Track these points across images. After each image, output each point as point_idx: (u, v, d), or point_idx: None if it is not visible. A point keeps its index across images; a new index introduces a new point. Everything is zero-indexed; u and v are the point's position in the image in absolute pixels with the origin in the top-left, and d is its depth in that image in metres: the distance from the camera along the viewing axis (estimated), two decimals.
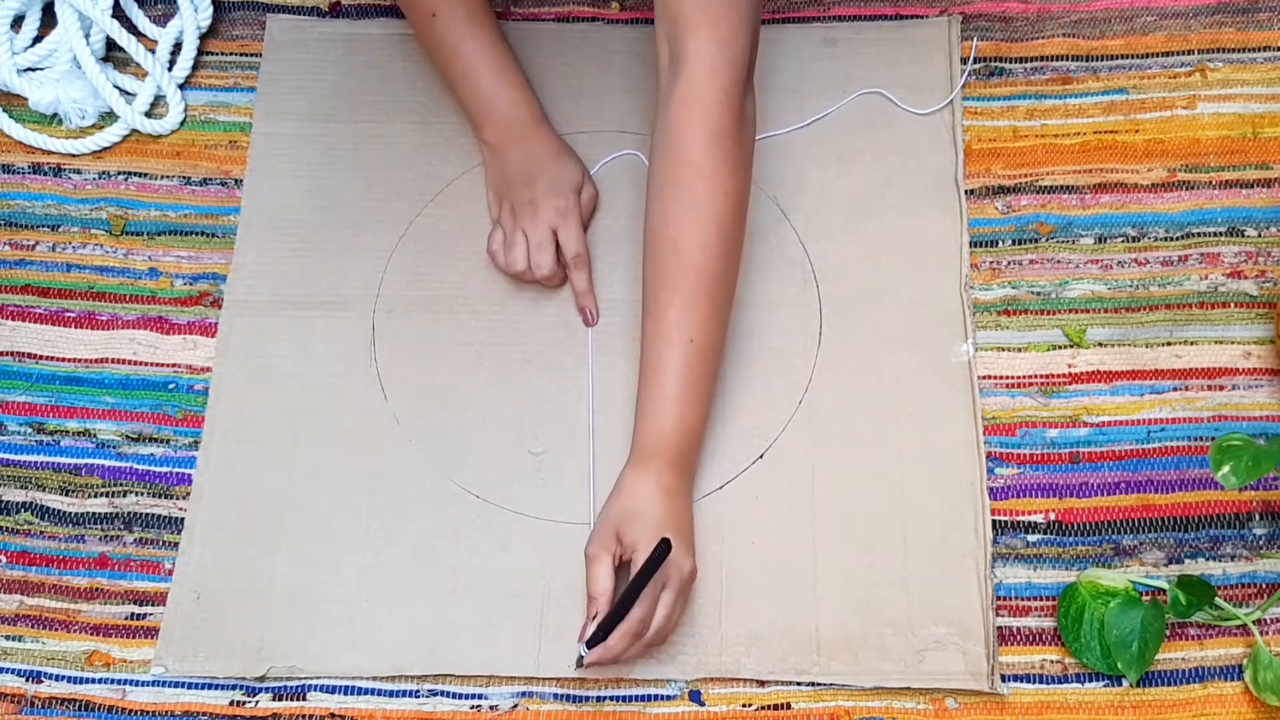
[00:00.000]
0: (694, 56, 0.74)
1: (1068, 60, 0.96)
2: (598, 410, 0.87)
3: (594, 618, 0.74)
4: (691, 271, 0.76)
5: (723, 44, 0.74)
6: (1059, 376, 0.87)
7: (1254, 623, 0.80)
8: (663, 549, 0.73)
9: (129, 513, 0.86)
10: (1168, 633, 0.80)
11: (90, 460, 0.87)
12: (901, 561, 0.82)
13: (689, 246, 0.76)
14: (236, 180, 0.95)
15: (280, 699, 0.81)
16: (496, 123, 0.90)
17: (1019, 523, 0.84)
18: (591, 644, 0.73)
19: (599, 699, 0.80)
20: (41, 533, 0.86)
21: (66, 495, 0.87)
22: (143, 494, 0.86)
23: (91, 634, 0.83)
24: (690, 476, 0.81)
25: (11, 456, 0.88)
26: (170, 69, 0.98)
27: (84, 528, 0.86)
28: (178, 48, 0.99)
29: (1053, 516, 0.84)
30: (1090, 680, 0.80)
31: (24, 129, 0.96)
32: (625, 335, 0.89)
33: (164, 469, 0.87)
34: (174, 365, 0.90)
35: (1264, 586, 0.82)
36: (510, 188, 0.89)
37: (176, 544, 0.84)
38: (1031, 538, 0.84)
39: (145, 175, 0.96)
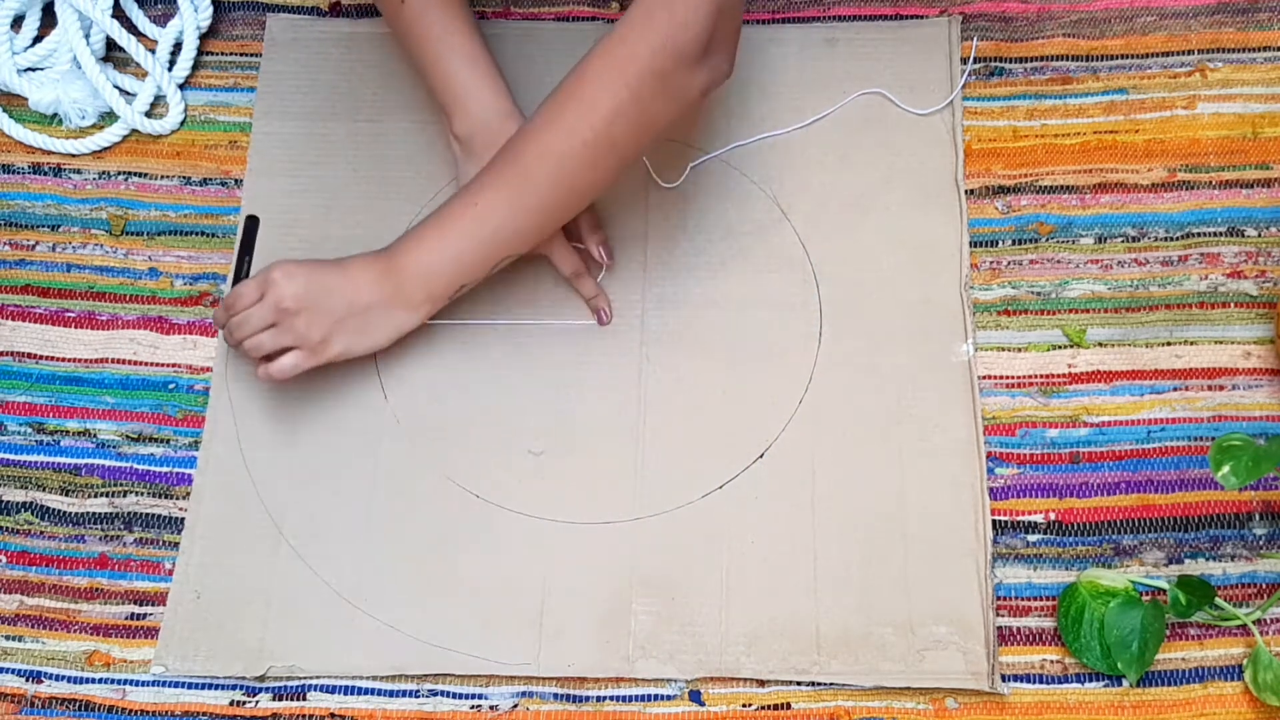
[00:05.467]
0: (643, 5, 0.72)
1: (1068, 60, 0.96)
2: (602, 410, 0.87)
3: None
4: (518, 163, 0.78)
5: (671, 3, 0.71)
6: (1059, 376, 0.87)
7: (1254, 623, 0.80)
8: (249, 225, 0.77)
9: (129, 513, 0.86)
10: (1168, 633, 0.80)
11: (90, 460, 0.87)
12: (901, 561, 0.82)
13: (527, 147, 0.78)
14: (236, 180, 0.95)
15: (280, 699, 0.81)
16: (468, 114, 0.86)
17: (1019, 523, 0.84)
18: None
19: (599, 699, 0.80)
20: (41, 533, 0.86)
21: (66, 495, 0.87)
22: (143, 494, 0.86)
23: (91, 634, 0.83)
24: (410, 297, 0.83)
25: (11, 456, 0.88)
26: (170, 69, 0.98)
27: (84, 528, 0.86)
28: (178, 48, 0.99)
29: (1053, 516, 0.84)
30: (1090, 680, 0.80)
31: (24, 129, 0.96)
32: (628, 334, 0.89)
33: (164, 469, 0.87)
34: (174, 365, 0.90)
35: (1264, 586, 0.82)
36: None
37: (176, 544, 0.84)
38: (1031, 538, 0.84)
39: (145, 175, 0.96)
